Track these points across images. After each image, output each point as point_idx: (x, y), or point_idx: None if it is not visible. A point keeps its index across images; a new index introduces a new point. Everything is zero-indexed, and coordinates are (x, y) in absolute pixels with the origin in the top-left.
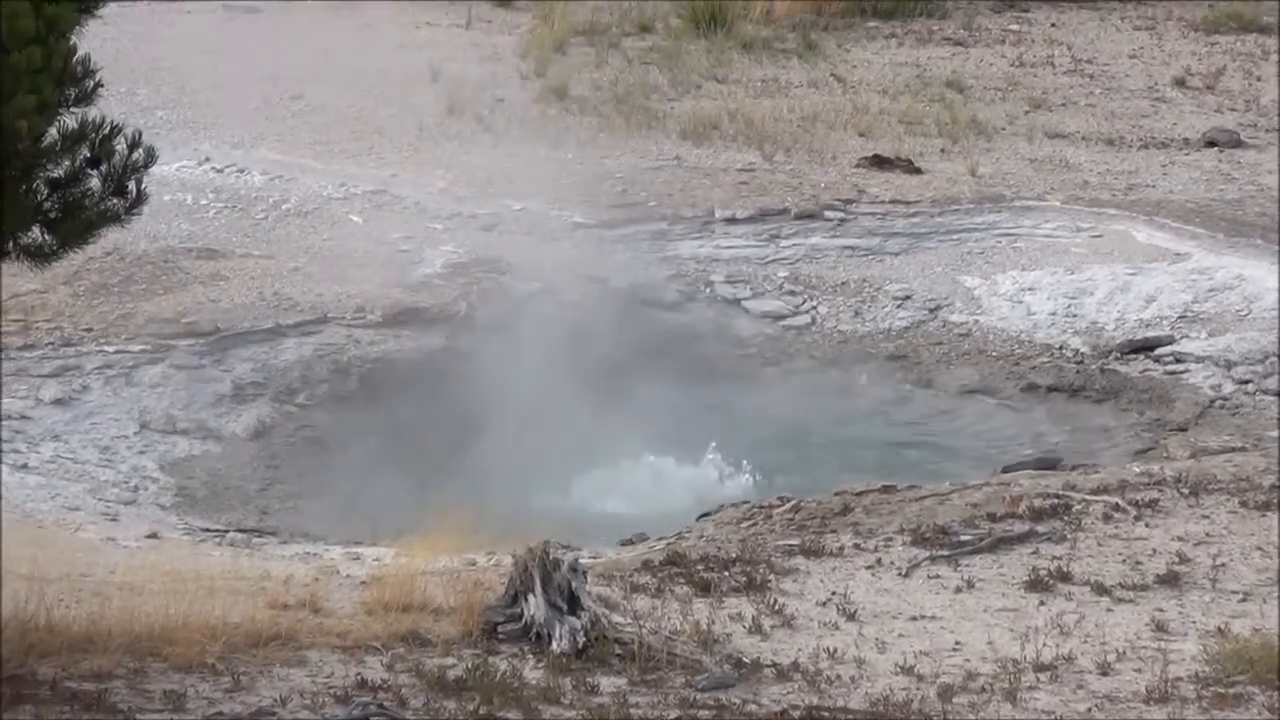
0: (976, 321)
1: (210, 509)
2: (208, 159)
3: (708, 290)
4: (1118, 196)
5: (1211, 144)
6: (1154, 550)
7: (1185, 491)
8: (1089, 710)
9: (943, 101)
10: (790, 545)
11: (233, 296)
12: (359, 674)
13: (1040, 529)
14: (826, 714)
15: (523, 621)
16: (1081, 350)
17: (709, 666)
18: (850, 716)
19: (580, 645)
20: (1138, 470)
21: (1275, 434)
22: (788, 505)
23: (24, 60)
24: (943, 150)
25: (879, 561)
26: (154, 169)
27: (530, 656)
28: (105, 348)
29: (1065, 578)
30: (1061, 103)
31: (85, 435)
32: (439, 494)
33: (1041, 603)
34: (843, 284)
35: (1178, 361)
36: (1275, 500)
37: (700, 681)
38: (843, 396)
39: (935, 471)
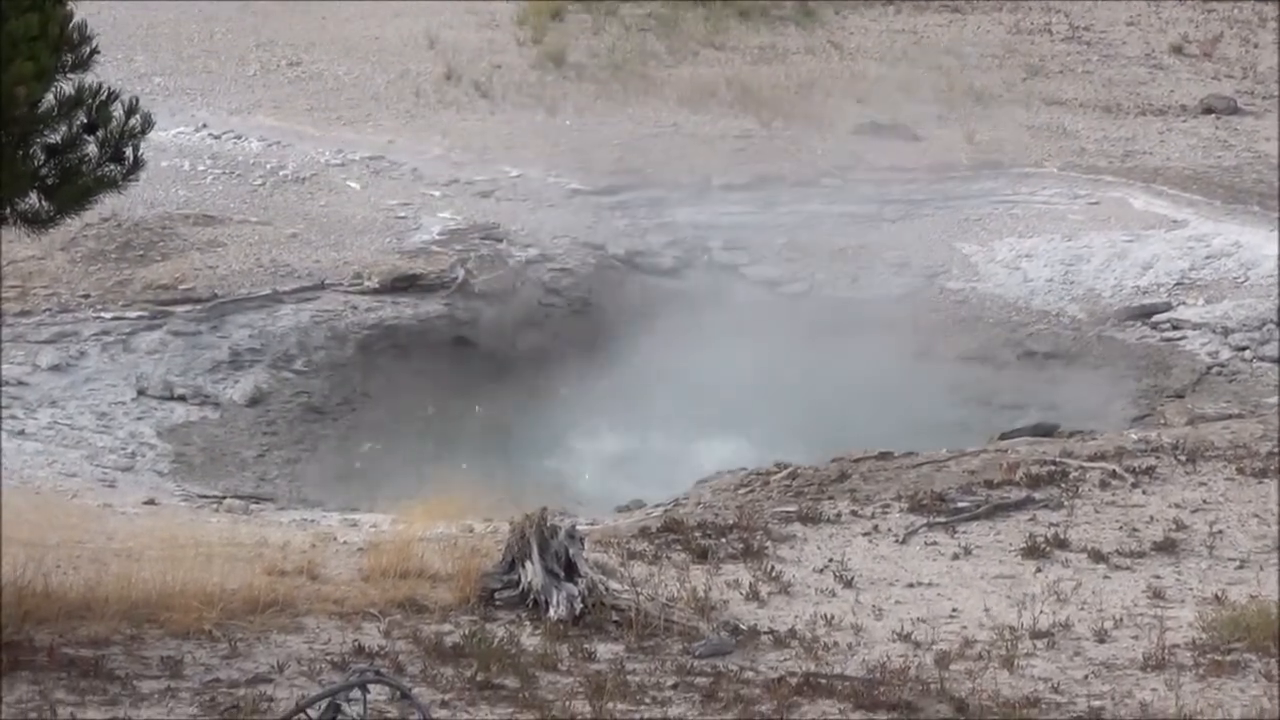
0: (974, 288)
1: (208, 475)
2: (205, 125)
3: (705, 257)
4: (1115, 163)
5: (1209, 111)
6: (1151, 517)
7: (1182, 458)
8: (1086, 677)
9: (940, 69)
10: (787, 512)
11: (230, 263)
12: (356, 640)
13: (1037, 496)
14: (823, 680)
15: (520, 588)
16: (1079, 317)
17: (706, 633)
18: (847, 683)
19: (577, 612)
20: (1135, 437)
21: (1273, 400)
22: (785, 472)
23: (21, 26)
24: (940, 117)
25: (876, 528)
26: (151, 135)
27: (527, 623)
28: (103, 314)
29: (1062, 545)
30: (1059, 70)
31: (83, 401)
32: (436, 460)
33: (1039, 570)
34: (840, 251)
35: (1175, 328)
36: (1272, 467)
37: (697, 648)
38: (839, 363)
39: (933, 438)
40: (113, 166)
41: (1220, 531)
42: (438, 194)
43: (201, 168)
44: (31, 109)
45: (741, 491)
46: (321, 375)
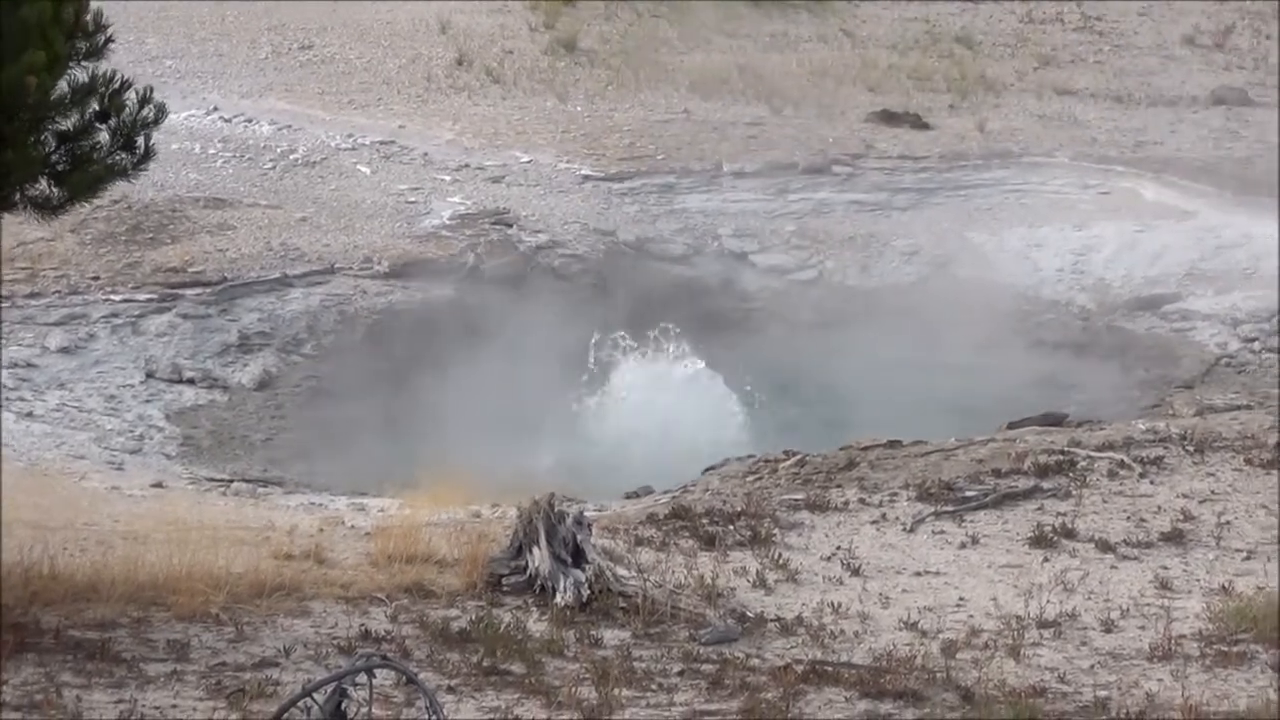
0: (983, 277)
1: (215, 459)
2: (216, 108)
3: (715, 244)
4: (1126, 154)
5: (1220, 102)
6: (1159, 507)
7: (1190, 449)
8: (1092, 667)
9: (952, 57)
10: (795, 499)
11: (240, 246)
12: (363, 625)
13: (1045, 485)
14: (830, 668)
15: (527, 574)
16: (1088, 307)
17: (713, 620)
18: (853, 671)
19: (584, 598)
20: (1143, 427)
21: None
22: (793, 459)
23: (34, 14)
24: (951, 106)
25: (884, 516)
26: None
27: (534, 609)
28: (112, 296)
29: (1070, 534)
30: (1070, 60)
31: (91, 384)
32: (445, 445)
33: (1046, 559)
34: (850, 239)
35: (1184, 319)
36: None
37: (704, 635)
38: (847, 351)
39: (941, 426)
40: (124, 155)
41: (1228, 522)
42: (448, 179)
43: (212, 151)
44: (43, 96)
45: (749, 479)
46: (330, 359)
